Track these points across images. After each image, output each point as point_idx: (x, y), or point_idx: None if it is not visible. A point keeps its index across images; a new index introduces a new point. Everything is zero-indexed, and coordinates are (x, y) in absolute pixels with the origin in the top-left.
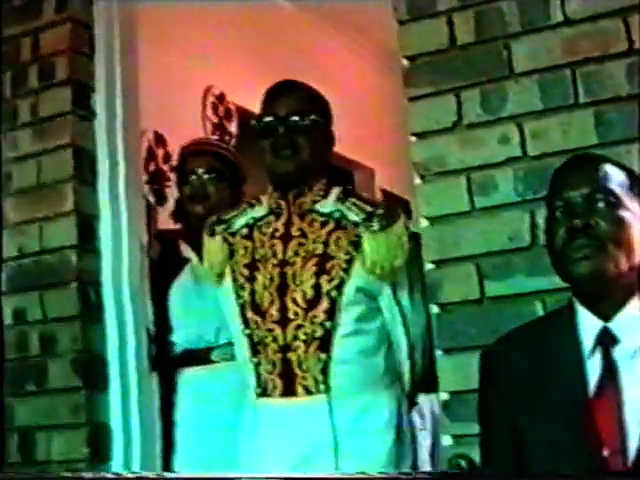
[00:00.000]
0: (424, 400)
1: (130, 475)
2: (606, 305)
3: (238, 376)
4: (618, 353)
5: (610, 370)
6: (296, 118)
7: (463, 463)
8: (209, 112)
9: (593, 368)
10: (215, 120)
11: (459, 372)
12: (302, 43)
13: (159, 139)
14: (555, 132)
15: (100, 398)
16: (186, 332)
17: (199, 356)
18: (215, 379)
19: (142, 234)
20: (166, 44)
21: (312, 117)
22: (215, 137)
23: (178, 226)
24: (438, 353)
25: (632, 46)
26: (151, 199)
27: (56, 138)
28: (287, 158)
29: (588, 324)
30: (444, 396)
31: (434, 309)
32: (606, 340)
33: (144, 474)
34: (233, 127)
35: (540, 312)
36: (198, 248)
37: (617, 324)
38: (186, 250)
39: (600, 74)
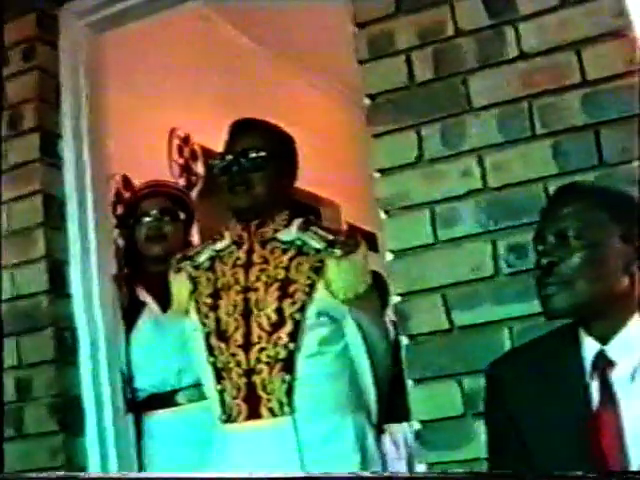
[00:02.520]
0: (397, 429)
1: (132, 475)
2: (602, 329)
3: (205, 415)
4: (616, 376)
5: (608, 393)
6: (248, 156)
7: None
8: (175, 154)
9: (594, 391)
10: (181, 162)
11: (431, 401)
12: (266, 82)
13: (127, 183)
14: (515, 163)
15: (77, 441)
16: (149, 377)
17: (164, 399)
18: (182, 420)
19: (112, 277)
20: (131, 88)
21: (263, 154)
22: (182, 179)
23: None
24: (409, 383)
25: (585, 77)
26: (119, 242)
27: (25, 185)
28: (241, 194)
29: (588, 347)
30: (417, 425)
31: (404, 340)
32: (602, 363)
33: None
34: (199, 168)
35: (507, 339)
36: (153, 291)
37: (613, 347)
38: (142, 294)
39: (556, 106)
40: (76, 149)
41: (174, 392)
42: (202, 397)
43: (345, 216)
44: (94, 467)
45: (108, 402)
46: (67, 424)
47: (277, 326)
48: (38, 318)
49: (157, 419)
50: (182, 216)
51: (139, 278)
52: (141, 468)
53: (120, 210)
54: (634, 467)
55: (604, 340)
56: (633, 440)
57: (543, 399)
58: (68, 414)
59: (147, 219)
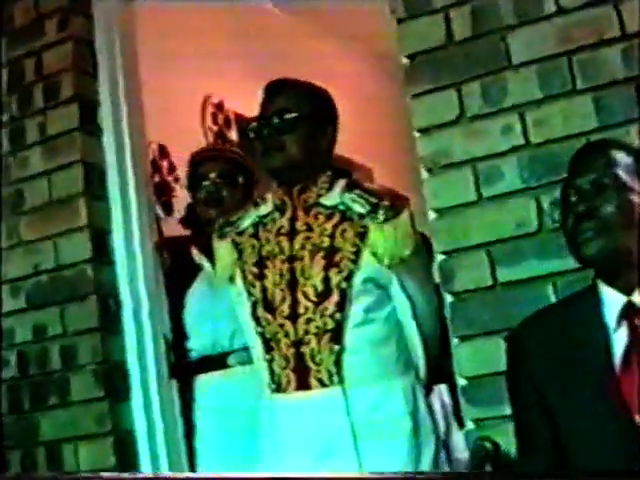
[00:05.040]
0: (433, 391)
1: (130, 475)
2: (627, 280)
3: (255, 378)
4: None
5: (636, 340)
6: (278, 118)
7: (488, 445)
8: (209, 121)
9: (619, 341)
10: (215, 129)
11: (475, 358)
12: (297, 48)
13: (163, 151)
14: (556, 119)
15: (123, 406)
16: (202, 338)
17: (215, 362)
18: (232, 383)
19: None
20: (164, 56)
21: (294, 115)
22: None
23: (187, 232)
24: (454, 341)
25: (625, 31)
26: (158, 210)
27: (65, 155)
28: (275, 157)
29: (612, 300)
30: (462, 382)
31: (448, 298)
32: (630, 312)
33: (144, 474)
34: (233, 134)
35: (551, 294)
36: (210, 253)
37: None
38: (198, 256)
39: (596, 60)
40: (114, 117)
41: (226, 354)
42: (252, 360)
43: (378, 180)
44: (140, 431)
45: (152, 367)
46: (112, 390)
47: (323, 296)
48: (82, 286)
49: (208, 381)
50: (241, 180)
51: (196, 241)
52: (190, 431)
53: (157, 178)
54: None
55: (629, 291)
56: None
57: (564, 355)
58: (113, 380)
59: (205, 182)
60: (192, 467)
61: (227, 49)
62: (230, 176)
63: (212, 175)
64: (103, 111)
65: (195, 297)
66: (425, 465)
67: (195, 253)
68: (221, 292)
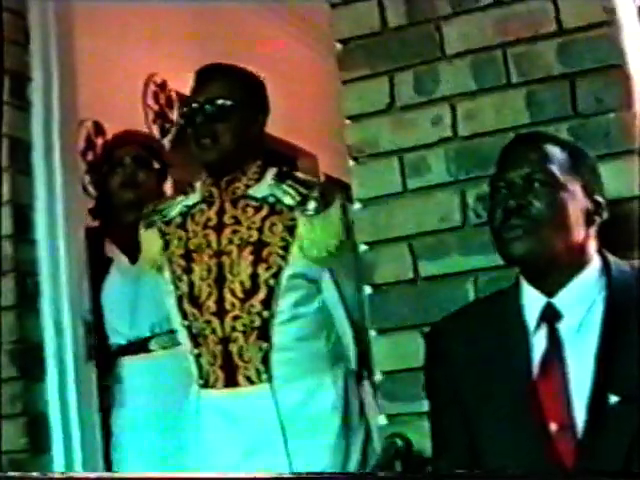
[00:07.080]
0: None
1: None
2: (550, 282)
3: (178, 363)
4: (563, 328)
5: (555, 345)
6: (213, 106)
7: (399, 442)
8: (150, 100)
9: (538, 344)
10: (156, 108)
11: (393, 352)
12: (243, 30)
13: (99, 129)
14: (488, 112)
15: (37, 387)
16: (119, 331)
17: (137, 346)
18: (154, 368)
19: (80, 224)
20: (106, 33)
21: (229, 103)
22: (156, 125)
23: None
24: (371, 334)
25: (561, 26)
26: (90, 189)
27: None
28: (207, 147)
29: (533, 300)
30: (378, 376)
31: (367, 290)
32: (550, 315)
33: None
34: (174, 115)
35: (472, 291)
36: (123, 244)
37: (561, 300)
38: (110, 248)
39: (531, 54)
40: (45, 92)
41: (147, 339)
42: (175, 344)
43: (322, 167)
44: (54, 414)
45: (70, 349)
46: (27, 370)
47: (250, 293)
48: (1, 263)
49: (129, 366)
50: (156, 165)
51: (109, 231)
52: (106, 416)
53: (91, 156)
54: (580, 419)
55: (551, 293)
56: (579, 391)
57: (483, 355)
58: (29, 361)
59: (121, 167)
60: (107, 449)
61: (172, 28)
62: (145, 160)
63: (127, 159)
64: (34, 85)
65: (110, 292)
66: (354, 457)
67: (108, 246)
68: (139, 280)
